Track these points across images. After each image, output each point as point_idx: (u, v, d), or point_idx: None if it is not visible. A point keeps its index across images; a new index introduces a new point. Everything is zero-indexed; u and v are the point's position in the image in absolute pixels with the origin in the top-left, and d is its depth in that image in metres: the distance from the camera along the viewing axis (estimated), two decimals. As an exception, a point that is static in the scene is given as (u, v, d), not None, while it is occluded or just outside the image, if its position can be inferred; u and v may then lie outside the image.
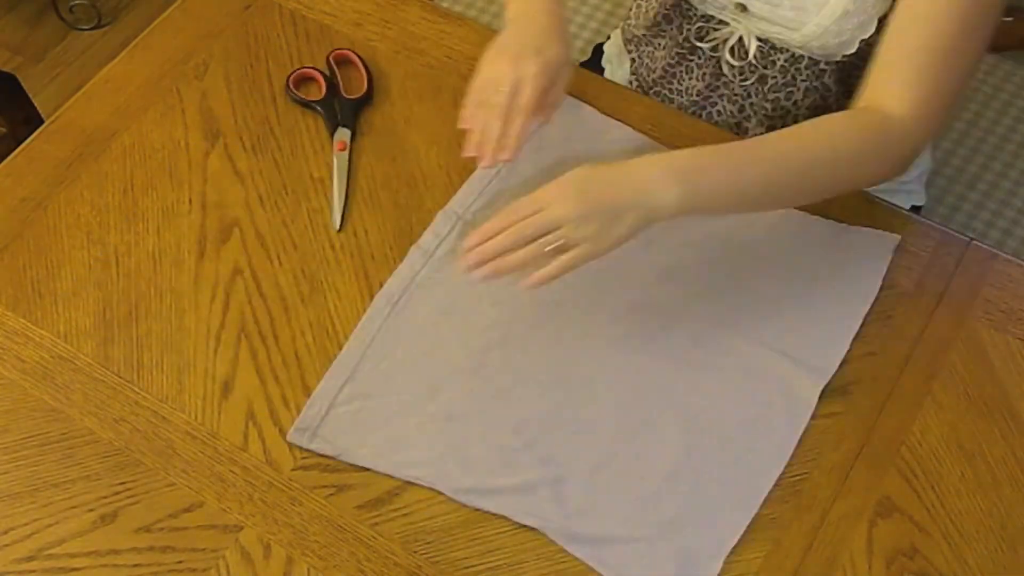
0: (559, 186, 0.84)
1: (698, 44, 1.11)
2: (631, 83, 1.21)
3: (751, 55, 1.07)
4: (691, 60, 1.15)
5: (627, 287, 0.95)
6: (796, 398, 0.89)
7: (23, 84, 1.67)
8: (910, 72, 0.93)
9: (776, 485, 0.86)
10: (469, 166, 1.01)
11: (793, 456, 0.87)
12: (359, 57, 1.08)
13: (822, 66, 1.06)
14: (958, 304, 0.94)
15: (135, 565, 0.84)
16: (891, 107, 0.94)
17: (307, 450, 0.87)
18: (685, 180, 0.85)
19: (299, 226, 0.99)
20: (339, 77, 1.07)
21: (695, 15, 1.10)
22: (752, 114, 1.11)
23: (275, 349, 0.93)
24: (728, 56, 1.09)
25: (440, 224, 0.98)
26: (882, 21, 0.98)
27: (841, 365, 0.91)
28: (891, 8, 0.97)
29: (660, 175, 0.85)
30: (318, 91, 1.07)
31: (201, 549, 0.84)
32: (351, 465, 0.87)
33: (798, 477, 0.86)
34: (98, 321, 0.95)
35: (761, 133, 1.06)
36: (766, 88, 1.09)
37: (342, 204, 1.00)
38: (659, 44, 1.18)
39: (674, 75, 1.14)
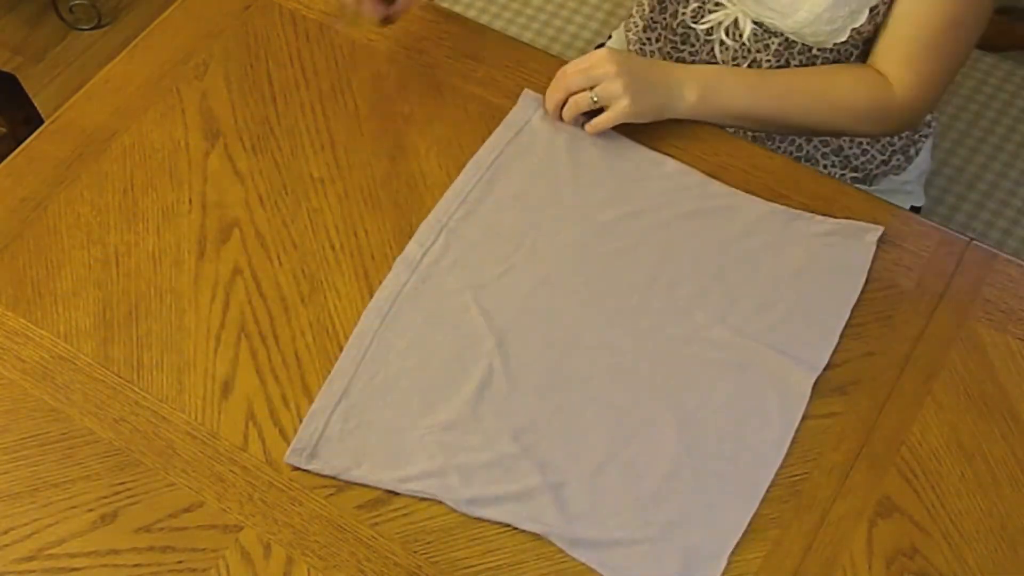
0: (606, 51, 0.99)
1: (692, 26, 1.12)
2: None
3: (745, 37, 1.09)
4: (683, 50, 1.16)
5: (616, 289, 0.95)
6: (789, 391, 0.89)
7: (23, 84, 1.67)
8: (914, 51, 1.01)
9: (776, 485, 0.86)
10: (469, 166, 1.01)
11: (793, 456, 0.87)
12: None
13: (814, 52, 1.07)
14: (958, 304, 0.94)
15: (135, 565, 0.84)
16: (894, 80, 1.04)
17: (306, 471, 0.87)
18: (704, 88, 1.02)
19: (299, 226, 0.99)
20: None
21: None
22: None
23: (275, 349, 0.93)
24: (723, 35, 1.10)
25: (424, 234, 0.98)
26: (873, 11, 0.99)
27: (841, 365, 0.91)
28: None
29: (686, 77, 1.02)
30: None
31: (201, 549, 0.84)
32: (351, 465, 0.87)
33: (798, 477, 0.86)
34: (98, 321, 0.95)
35: None
36: None
37: None
38: (651, 38, 1.19)
39: None
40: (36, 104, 1.68)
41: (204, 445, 0.88)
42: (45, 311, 0.95)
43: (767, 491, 0.86)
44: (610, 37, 1.38)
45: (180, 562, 0.84)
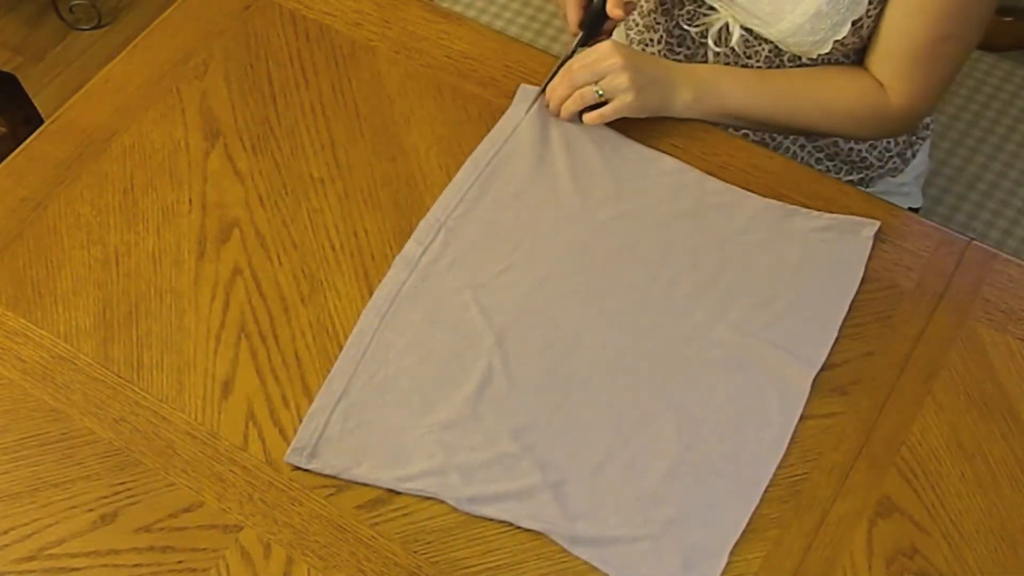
0: (611, 44, 1.01)
1: (686, 28, 1.13)
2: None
3: (733, 42, 1.09)
4: (679, 52, 1.16)
5: (616, 288, 0.95)
6: (788, 388, 0.90)
7: (23, 84, 1.67)
8: (908, 64, 1.01)
9: (776, 485, 0.86)
10: (469, 166, 1.01)
11: (793, 456, 0.87)
12: None
13: (804, 61, 1.07)
14: (958, 304, 0.94)
15: (135, 565, 0.84)
16: (889, 88, 1.04)
17: (306, 470, 0.87)
18: (700, 87, 1.02)
19: (299, 226, 0.99)
20: None
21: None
22: None
23: (275, 349, 0.93)
24: (711, 43, 1.10)
25: (422, 232, 0.98)
26: (856, 24, 1.00)
27: (841, 365, 0.91)
28: (875, 8, 0.99)
29: (683, 76, 1.03)
30: None
31: (201, 549, 0.84)
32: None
33: (798, 477, 0.86)
34: (98, 321, 0.95)
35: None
36: None
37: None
38: (652, 39, 1.19)
39: None
40: (36, 104, 1.68)
41: (204, 445, 0.88)
42: (45, 311, 0.95)
43: (767, 491, 0.86)
44: (610, 36, 1.38)
45: (180, 562, 0.84)
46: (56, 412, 0.90)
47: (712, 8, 1.10)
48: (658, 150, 1.03)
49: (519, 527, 0.84)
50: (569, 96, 1.01)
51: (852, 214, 0.98)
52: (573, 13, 1.07)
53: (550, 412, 0.89)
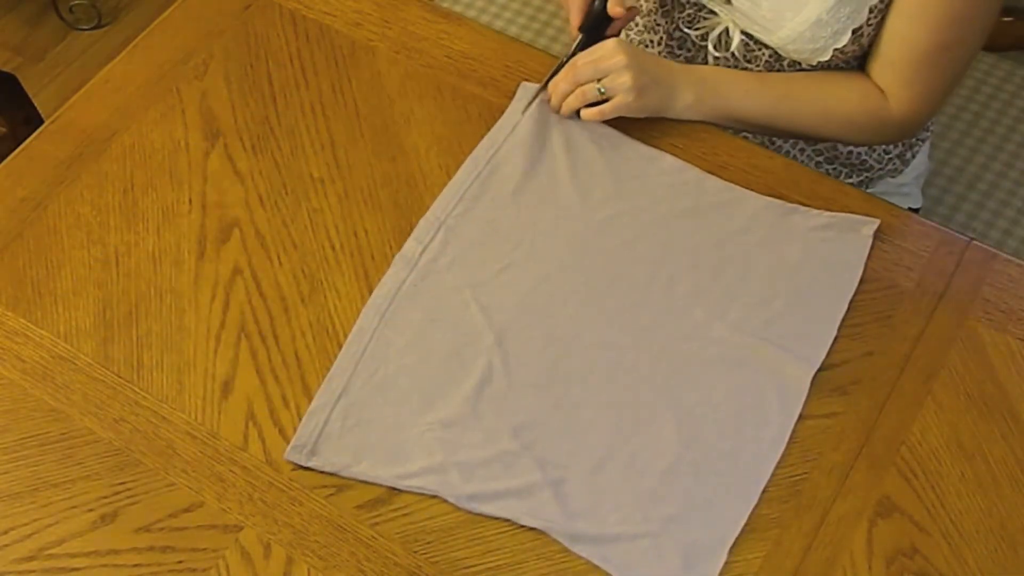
0: (616, 42, 1.00)
1: (686, 31, 1.12)
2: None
3: (733, 47, 1.09)
4: (679, 55, 1.16)
5: (615, 286, 0.95)
6: (788, 386, 0.90)
7: (23, 84, 1.67)
8: (908, 72, 1.00)
9: (776, 485, 0.86)
10: (469, 166, 1.01)
11: (793, 456, 0.87)
12: None
13: (804, 67, 1.07)
14: (958, 304, 0.94)
15: (135, 565, 0.84)
16: (890, 95, 1.04)
17: (306, 468, 0.87)
18: (700, 89, 1.03)
19: (299, 226, 0.99)
20: None
21: (688, 2, 1.12)
22: None
23: (275, 349, 0.93)
24: (711, 48, 1.10)
25: (422, 231, 0.98)
26: (856, 32, 0.99)
27: (841, 365, 0.91)
28: (875, 18, 0.99)
29: (684, 77, 1.03)
30: None
31: (201, 549, 0.84)
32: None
33: (798, 477, 0.86)
34: (98, 321, 0.95)
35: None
36: None
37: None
38: (652, 40, 1.19)
39: None
40: (36, 104, 1.68)
41: (204, 445, 0.88)
42: (45, 311, 0.95)
43: (767, 491, 0.86)
44: (619, 32, 1.38)
45: (180, 562, 0.84)
46: (56, 412, 0.90)
47: (712, 12, 1.10)
48: (658, 149, 1.03)
49: (519, 527, 0.84)
50: (571, 92, 1.01)
51: (851, 212, 0.98)
52: (575, 15, 1.07)
53: (550, 410, 0.89)
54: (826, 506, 0.85)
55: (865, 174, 1.20)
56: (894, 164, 1.21)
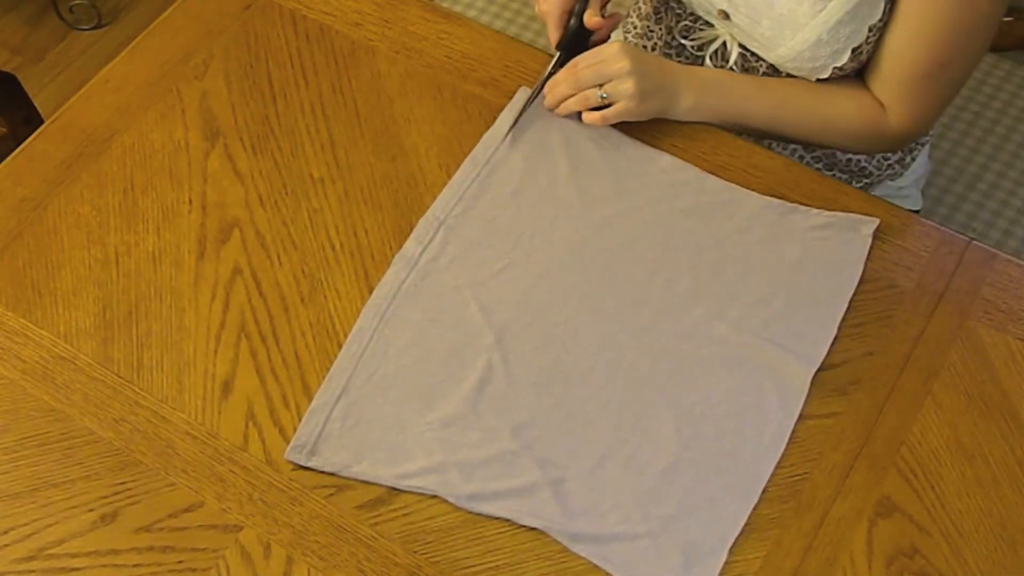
0: (620, 46, 0.99)
1: (683, 41, 1.12)
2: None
3: (731, 61, 1.09)
4: (676, 61, 1.16)
5: (615, 285, 0.95)
6: (788, 385, 0.90)
7: (23, 84, 1.67)
8: (908, 89, 1.01)
9: (776, 485, 0.86)
10: (469, 166, 1.01)
11: (793, 456, 0.87)
12: None
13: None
14: (958, 304, 0.94)
15: (135, 565, 0.84)
16: (888, 108, 1.04)
17: (306, 468, 0.87)
18: (701, 92, 1.02)
19: (299, 226, 1.00)
20: None
21: (684, 12, 1.11)
22: None
23: (275, 349, 0.93)
24: (708, 61, 1.10)
25: (422, 230, 0.98)
26: (856, 51, 0.99)
27: (841, 365, 0.91)
28: (874, 36, 0.99)
29: (686, 80, 1.02)
30: None
31: (201, 549, 0.84)
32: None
33: (798, 477, 0.86)
34: (98, 321, 0.95)
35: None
36: None
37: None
38: (647, 47, 1.19)
39: None
40: (36, 104, 1.68)
41: (204, 445, 0.88)
42: (45, 311, 0.95)
43: (767, 491, 0.86)
44: (608, 38, 1.38)
45: (180, 562, 0.84)
46: (56, 412, 0.90)
47: (708, 24, 1.10)
48: (658, 149, 1.03)
49: (519, 527, 0.84)
50: (571, 95, 1.01)
51: (852, 213, 0.98)
52: (553, 32, 1.06)
53: (549, 409, 0.89)
54: (826, 506, 0.85)
55: (864, 180, 1.20)
56: (893, 169, 1.21)
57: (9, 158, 1.04)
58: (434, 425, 0.88)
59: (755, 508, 0.85)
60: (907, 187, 1.25)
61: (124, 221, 1.00)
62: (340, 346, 0.92)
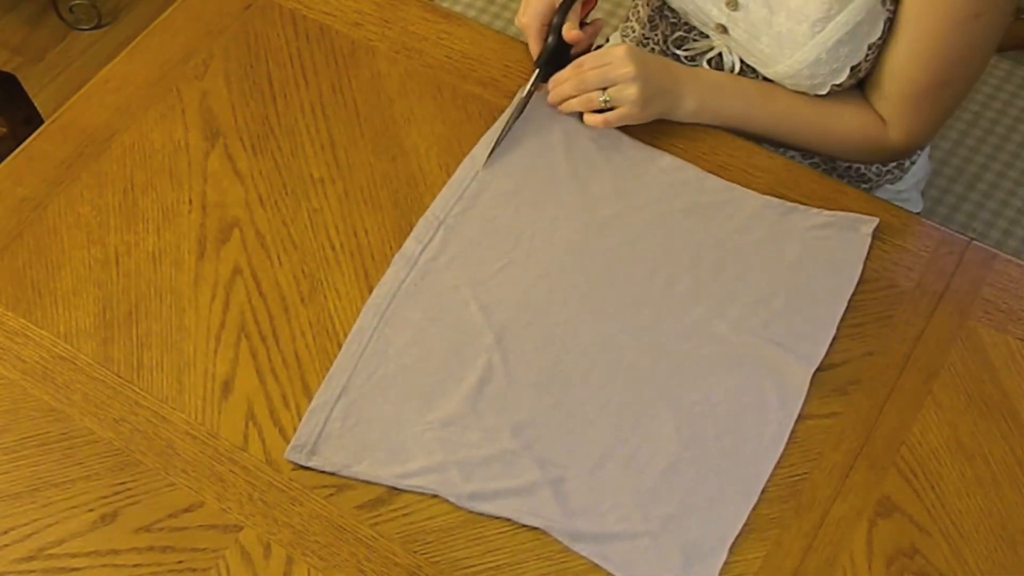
0: (626, 50, 0.98)
1: (676, 52, 1.12)
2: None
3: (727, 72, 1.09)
4: None
5: (615, 285, 0.95)
6: (787, 384, 0.90)
7: (23, 84, 1.67)
8: (907, 106, 1.01)
9: (776, 485, 0.86)
10: (469, 166, 1.01)
11: (793, 456, 0.87)
12: None
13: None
14: (958, 304, 0.94)
15: (135, 565, 0.84)
16: (888, 123, 1.04)
17: (306, 468, 0.87)
18: (703, 96, 1.02)
19: (299, 226, 1.00)
20: None
21: (679, 22, 1.11)
22: None
23: (275, 349, 0.93)
24: (705, 67, 1.10)
25: (422, 230, 0.98)
26: (855, 69, 0.99)
27: (841, 365, 0.91)
28: (872, 55, 0.99)
29: (689, 84, 1.02)
30: None
31: (201, 549, 0.84)
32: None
33: (798, 477, 0.86)
34: (98, 321, 0.95)
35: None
36: None
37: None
38: (647, 51, 1.19)
39: None
40: (36, 104, 1.68)
41: (204, 445, 0.88)
42: (45, 311, 0.95)
43: (767, 491, 0.86)
44: (608, 40, 1.38)
45: (180, 562, 0.84)
46: (56, 412, 0.90)
47: (703, 35, 1.10)
48: (658, 148, 1.03)
49: (519, 527, 0.84)
50: (574, 96, 1.01)
51: (851, 212, 0.99)
52: (533, 46, 1.05)
53: (549, 409, 0.89)
54: (826, 506, 0.85)
55: (864, 185, 1.20)
56: (892, 174, 1.21)
57: (9, 158, 1.04)
58: (434, 425, 0.88)
59: (755, 508, 0.85)
60: (907, 191, 1.25)
61: (124, 221, 1.00)
62: (340, 346, 0.92)
